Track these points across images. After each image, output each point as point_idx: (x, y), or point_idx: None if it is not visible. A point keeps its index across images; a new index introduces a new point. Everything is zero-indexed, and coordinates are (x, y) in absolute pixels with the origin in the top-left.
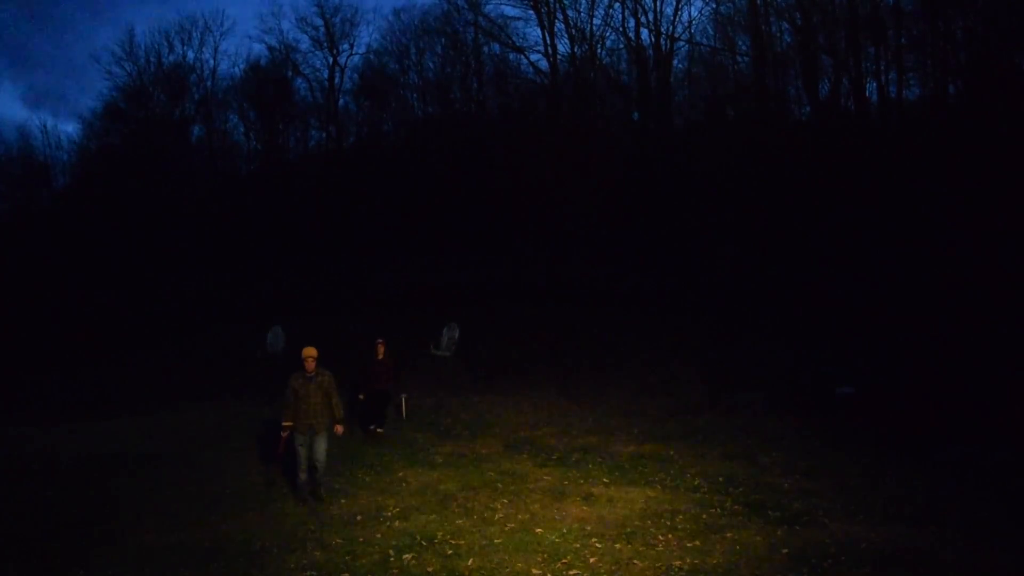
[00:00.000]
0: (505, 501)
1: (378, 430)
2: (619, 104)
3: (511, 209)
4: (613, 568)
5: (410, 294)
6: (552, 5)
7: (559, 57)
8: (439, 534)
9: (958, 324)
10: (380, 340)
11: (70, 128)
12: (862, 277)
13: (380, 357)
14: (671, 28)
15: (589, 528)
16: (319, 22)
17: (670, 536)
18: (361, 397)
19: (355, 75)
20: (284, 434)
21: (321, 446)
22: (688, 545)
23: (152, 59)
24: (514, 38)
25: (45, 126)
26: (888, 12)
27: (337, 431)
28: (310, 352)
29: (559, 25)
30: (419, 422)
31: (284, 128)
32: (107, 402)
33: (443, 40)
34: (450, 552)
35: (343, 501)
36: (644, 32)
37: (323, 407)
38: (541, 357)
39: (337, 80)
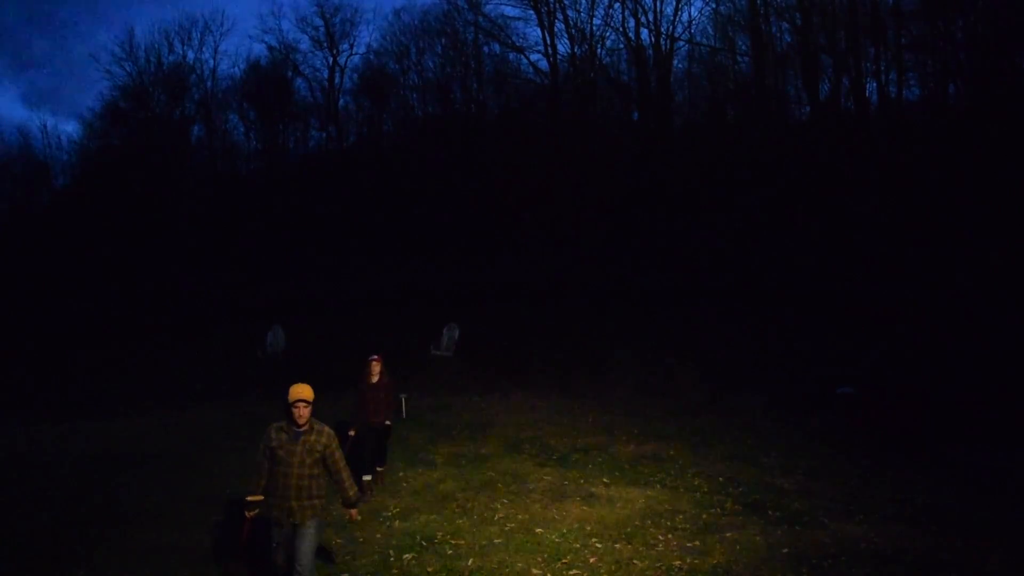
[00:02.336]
0: (505, 501)
1: (378, 468)
2: (619, 104)
3: (511, 209)
4: (613, 568)
5: (410, 294)
6: (552, 5)
7: (559, 57)
8: (439, 534)
9: (958, 324)
10: (375, 357)
11: (70, 128)
12: (862, 277)
13: (375, 379)
14: (671, 28)
15: (589, 528)
16: (319, 22)
17: (670, 536)
18: (351, 433)
19: (355, 75)
20: (249, 514)
21: (308, 545)
22: (688, 545)
23: (152, 59)
24: (514, 38)
25: (45, 126)
26: (888, 12)
27: (352, 517)
28: (301, 393)
29: (559, 25)
30: (419, 422)
31: (284, 128)
32: (107, 402)
33: (443, 40)
34: (450, 552)
35: None
36: (644, 32)
37: (315, 483)
38: (541, 357)
39: (337, 80)
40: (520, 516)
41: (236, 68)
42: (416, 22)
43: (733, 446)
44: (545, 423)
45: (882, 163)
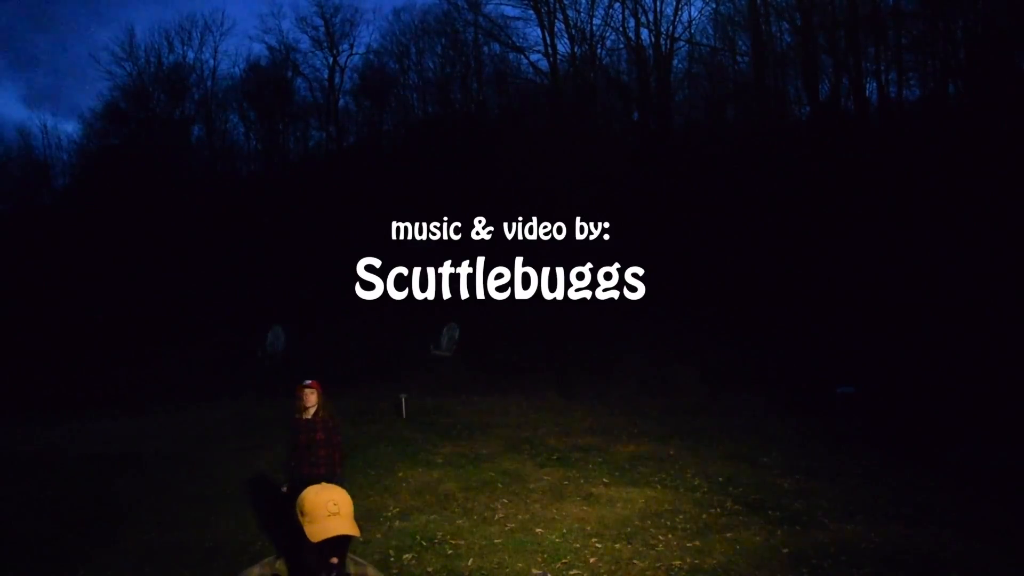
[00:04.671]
0: (505, 501)
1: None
2: (619, 104)
3: (511, 209)
4: (613, 568)
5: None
6: (552, 5)
7: (559, 57)
8: (439, 534)
9: (959, 324)
10: (308, 383)
11: (70, 128)
12: (862, 277)
13: (308, 414)
14: (671, 28)
15: (589, 528)
16: (319, 22)
17: (670, 536)
18: (284, 491)
19: (355, 75)
20: None
21: None
22: (688, 545)
23: (152, 59)
24: (514, 38)
25: (45, 126)
26: (888, 12)
27: None
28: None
29: (559, 25)
30: (419, 422)
31: (284, 128)
32: (107, 402)
33: (443, 40)
34: (450, 552)
35: None
36: (644, 32)
37: None
38: (541, 357)
39: (337, 80)
40: (520, 516)
41: (236, 68)
42: (416, 22)
43: (733, 446)
44: (545, 423)
45: (882, 163)
